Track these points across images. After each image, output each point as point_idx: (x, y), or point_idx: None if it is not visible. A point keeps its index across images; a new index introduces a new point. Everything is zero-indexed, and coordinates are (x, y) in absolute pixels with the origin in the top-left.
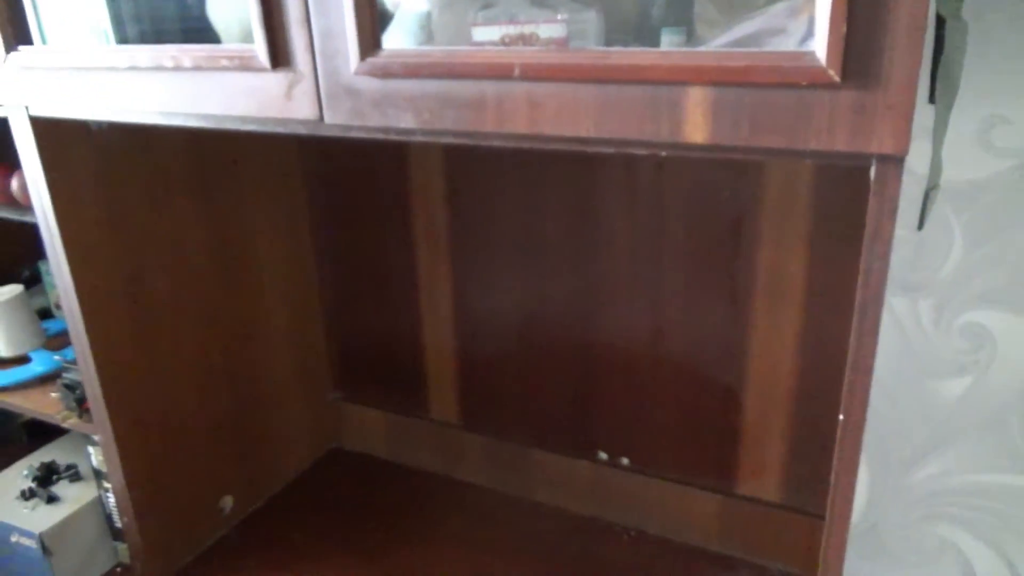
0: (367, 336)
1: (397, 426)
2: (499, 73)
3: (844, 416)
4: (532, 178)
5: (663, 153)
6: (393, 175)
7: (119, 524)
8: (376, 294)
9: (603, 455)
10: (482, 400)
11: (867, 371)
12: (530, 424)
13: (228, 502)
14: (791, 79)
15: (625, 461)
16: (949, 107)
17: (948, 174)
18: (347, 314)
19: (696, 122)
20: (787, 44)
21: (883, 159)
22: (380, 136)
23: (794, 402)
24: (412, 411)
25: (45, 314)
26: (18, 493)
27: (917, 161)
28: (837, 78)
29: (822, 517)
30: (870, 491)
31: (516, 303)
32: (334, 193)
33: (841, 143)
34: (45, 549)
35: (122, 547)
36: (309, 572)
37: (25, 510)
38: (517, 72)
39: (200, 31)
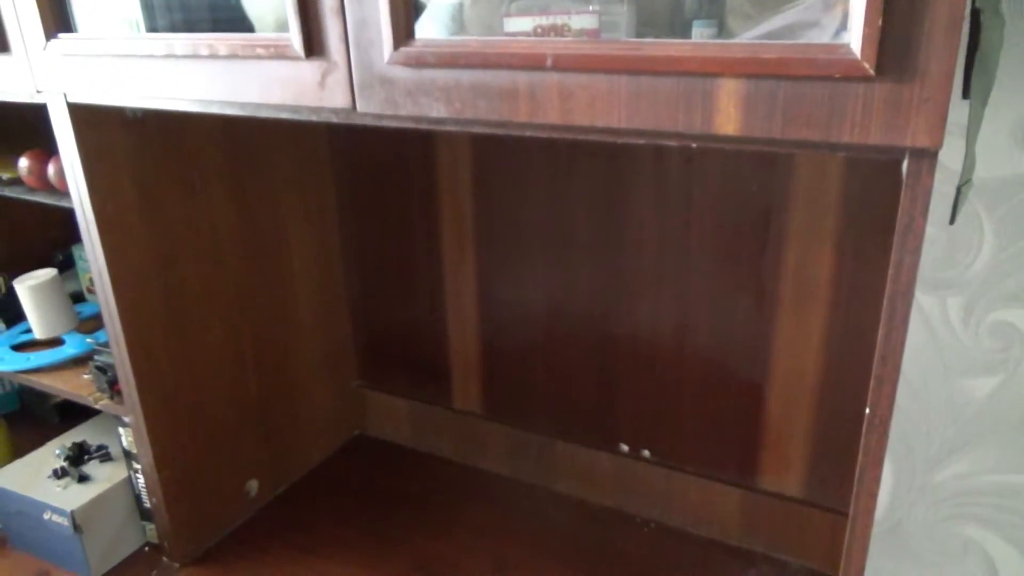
0: (392, 325)
1: (421, 414)
2: (532, 63)
3: (870, 411)
4: (559, 170)
5: (694, 145)
6: (420, 166)
7: (148, 504)
8: (401, 283)
9: (625, 447)
10: (505, 390)
11: (895, 366)
12: (553, 415)
13: (254, 486)
14: (825, 71)
15: (647, 454)
16: (984, 102)
17: (979, 171)
18: (373, 303)
19: (728, 114)
20: (821, 38)
21: (917, 153)
22: (411, 125)
23: (818, 398)
24: (436, 400)
25: (78, 298)
26: (50, 472)
27: (947, 157)
28: (872, 71)
29: (844, 514)
30: (894, 489)
31: (541, 295)
32: (362, 183)
33: (875, 136)
34: (76, 527)
35: (150, 527)
36: (332, 556)
37: (57, 488)
38: (550, 62)
39: (232, 21)
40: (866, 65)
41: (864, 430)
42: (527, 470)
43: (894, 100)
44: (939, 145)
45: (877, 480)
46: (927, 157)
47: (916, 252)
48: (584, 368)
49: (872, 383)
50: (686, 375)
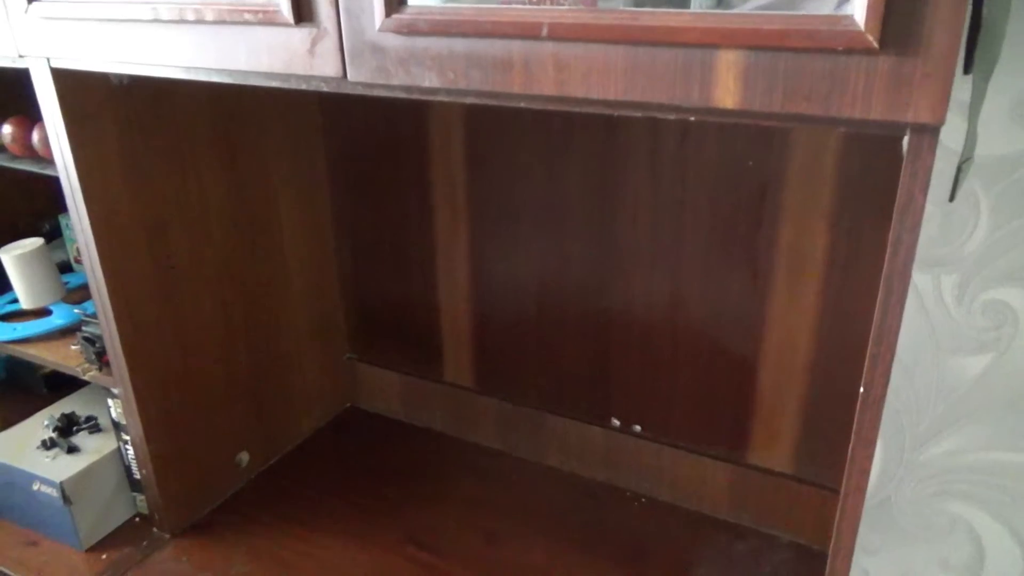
0: (383, 298)
1: (412, 387)
2: (527, 32)
3: (864, 389)
4: (554, 144)
5: (692, 118)
6: (413, 138)
7: (138, 476)
8: (393, 256)
9: (616, 422)
10: (497, 364)
11: (890, 345)
12: (544, 389)
13: (244, 457)
14: (828, 44)
15: (638, 428)
16: (987, 78)
17: (978, 148)
18: (364, 275)
19: (728, 87)
20: (823, 9)
21: (918, 129)
22: (403, 95)
23: (810, 375)
24: (427, 373)
25: (65, 268)
26: (39, 443)
27: (944, 134)
28: (875, 44)
29: (833, 489)
30: (883, 466)
31: (534, 268)
32: (353, 155)
33: (877, 111)
34: (65, 498)
35: (140, 498)
36: (322, 528)
37: (46, 459)
38: (545, 31)
39: None
40: (870, 38)
41: (858, 408)
42: (518, 444)
43: (897, 74)
44: (942, 121)
45: (869, 458)
46: (928, 133)
47: (915, 230)
48: (576, 343)
49: (867, 362)
50: (678, 351)
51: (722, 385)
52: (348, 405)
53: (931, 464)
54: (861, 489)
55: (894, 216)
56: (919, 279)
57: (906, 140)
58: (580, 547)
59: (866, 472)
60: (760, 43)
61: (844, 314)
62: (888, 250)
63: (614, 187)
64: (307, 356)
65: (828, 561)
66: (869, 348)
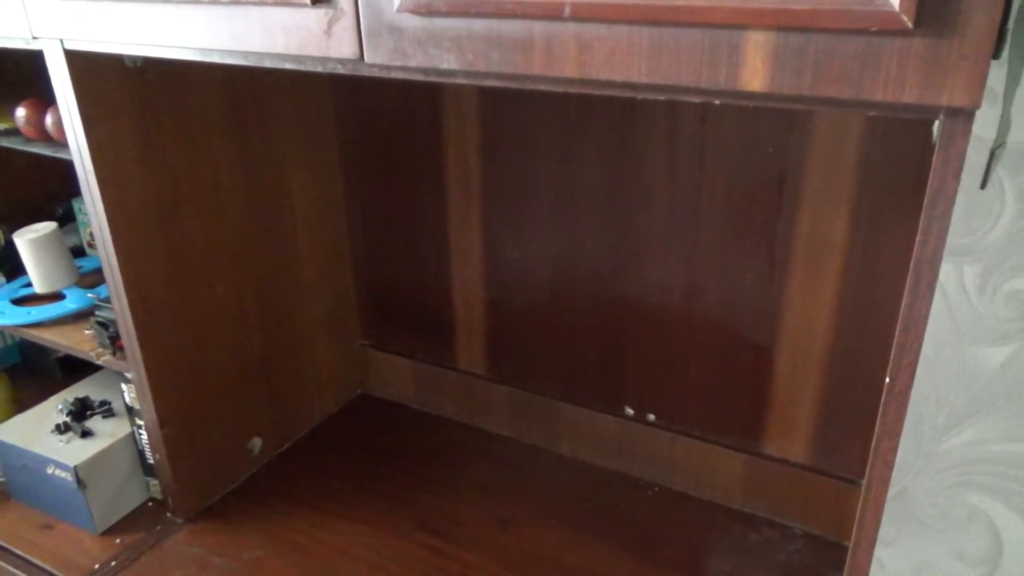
0: (396, 283)
1: (424, 374)
2: (548, 12)
3: (890, 379)
4: (570, 127)
5: (717, 102)
6: (427, 120)
7: (151, 460)
8: (406, 242)
9: (630, 411)
10: (510, 351)
11: (918, 335)
12: (557, 377)
13: (257, 443)
14: (860, 24)
15: (652, 417)
16: None
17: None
18: (376, 261)
19: (755, 68)
20: None
21: (952, 113)
22: (420, 77)
23: (827, 364)
24: (439, 360)
25: (78, 252)
26: (53, 427)
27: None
28: (910, 24)
29: (849, 480)
30: (901, 456)
31: (548, 254)
32: (366, 139)
33: (910, 95)
34: (80, 482)
35: (154, 483)
36: (335, 513)
37: (60, 443)
38: (567, 12)
39: None
40: (904, 18)
41: (883, 399)
42: (530, 431)
43: (932, 56)
44: (977, 105)
45: (894, 450)
46: (962, 117)
47: (945, 218)
48: (590, 330)
49: (893, 351)
50: (694, 339)
51: (737, 374)
52: (360, 391)
53: (950, 455)
54: (885, 480)
55: (924, 203)
56: (941, 268)
57: (937, 124)
58: (593, 535)
59: (890, 463)
60: (790, 23)
61: (864, 303)
62: (917, 238)
63: (630, 172)
64: (319, 342)
65: (849, 552)
66: (896, 337)
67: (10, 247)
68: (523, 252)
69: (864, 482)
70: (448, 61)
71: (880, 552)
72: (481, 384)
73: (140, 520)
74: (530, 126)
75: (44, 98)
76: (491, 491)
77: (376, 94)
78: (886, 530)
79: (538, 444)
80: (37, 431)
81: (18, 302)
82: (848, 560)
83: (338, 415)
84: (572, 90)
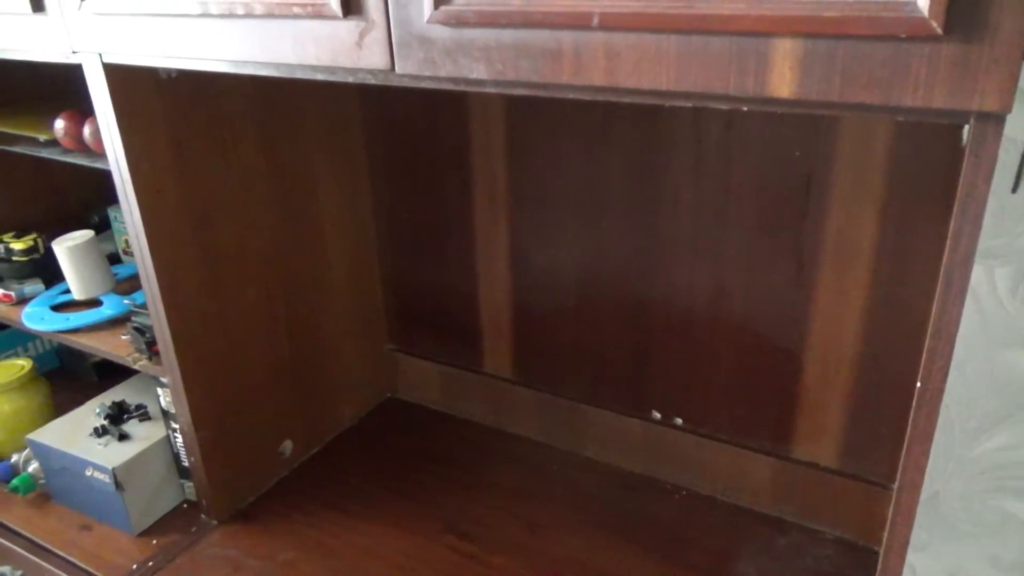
0: (423, 288)
1: (451, 378)
2: (577, 22)
3: (921, 384)
4: (595, 132)
5: (745, 108)
6: (453, 127)
7: (186, 463)
8: (433, 247)
9: (657, 415)
10: (536, 355)
11: (949, 339)
12: (584, 380)
13: (288, 446)
14: (889, 30)
15: (679, 421)
16: None
17: None
18: (404, 266)
19: (783, 75)
20: None
21: (982, 117)
22: (450, 87)
23: (857, 368)
24: (466, 364)
25: (114, 259)
26: (91, 430)
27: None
28: (939, 30)
29: (880, 484)
30: (932, 460)
31: (574, 259)
32: (393, 145)
33: (939, 100)
34: (118, 484)
35: (188, 485)
36: (365, 516)
37: (99, 446)
38: (596, 21)
39: None
40: (934, 24)
41: (914, 403)
42: (557, 435)
43: (962, 61)
44: (1008, 109)
45: (926, 454)
46: (993, 121)
47: (977, 222)
48: (616, 334)
49: (925, 356)
50: (720, 342)
51: (765, 378)
52: (388, 395)
53: (982, 459)
54: (917, 485)
55: (955, 206)
56: (972, 271)
57: (967, 128)
58: (620, 538)
59: (922, 468)
60: (818, 30)
61: (894, 306)
62: (948, 241)
63: (656, 174)
64: (348, 346)
65: (880, 556)
66: (927, 341)
67: (49, 255)
68: (549, 256)
69: (895, 486)
70: (477, 71)
71: (912, 557)
72: (508, 388)
73: (175, 521)
74: (556, 131)
75: (82, 110)
76: (518, 494)
77: (403, 102)
78: (917, 535)
79: (564, 447)
80: (76, 434)
81: (57, 308)
82: (880, 564)
83: (366, 419)
84: (600, 98)
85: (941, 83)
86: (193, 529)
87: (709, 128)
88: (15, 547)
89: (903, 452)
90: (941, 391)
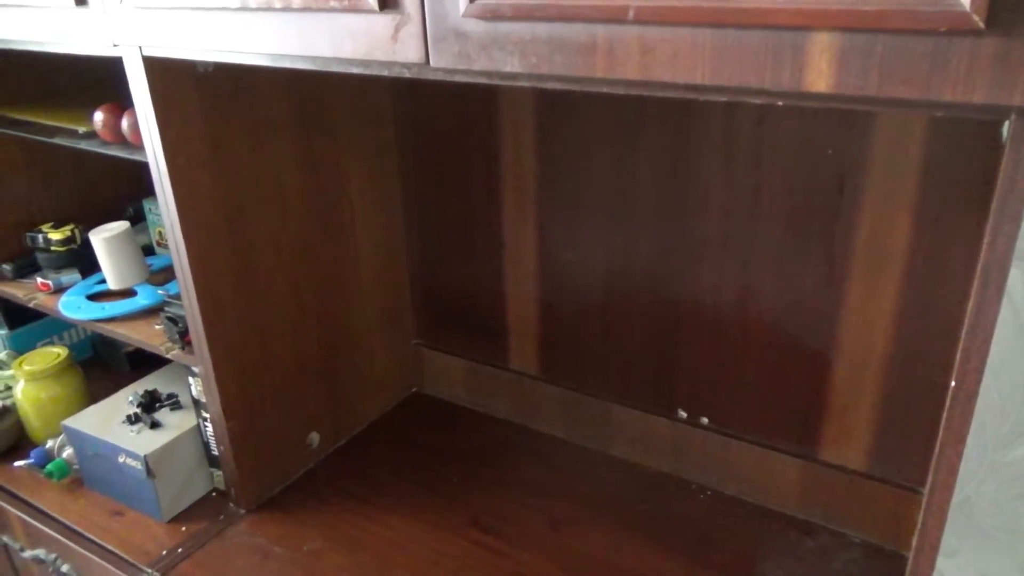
0: (451, 284)
1: (477, 374)
2: (612, 16)
3: (955, 384)
4: (625, 129)
5: (780, 103)
6: (483, 124)
7: (216, 452)
8: (461, 243)
9: (683, 413)
10: (563, 353)
11: (985, 339)
12: (610, 379)
13: (315, 438)
14: (929, 25)
15: (705, 421)
16: None
17: None
18: (431, 262)
19: (820, 70)
20: None
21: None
22: (484, 80)
23: (887, 370)
24: (492, 360)
25: (147, 251)
26: (124, 417)
27: None
28: (981, 24)
29: (909, 488)
30: (964, 464)
31: (602, 257)
32: (424, 142)
33: (979, 95)
34: (149, 471)
35: (217, 474)
36: (389, 508)
37: (131, 433)
38: (631, 15)
39: None
40: (975, 18)
41: (948, 404)
42: (582, 433)
43: (1003, 55)
44: None
45: (959, 456)
46: None
47: (1016, 220)
48: (643, 332)
49: (959, 356)
50: (749, 342)
51: (794, 379)
52: (413, 390)
53: (1016, 464)
54: (949, 487)
55: (993, 204)
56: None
57: (1007, 124)
58: (645, 537)
59: (955, 469)
60: (856, 24)
61: (926, 307)
62: (985, 240)
63: (685, 173)
64: (375, 340)
65: (910, 560)
66: (961, 342)
67: (85, 245)
68: (577, 254)
69: (927, 489)
70: (511, 64)
71: (941, 563)
72: (533, 384)
73: (204, 509)
74: (585, 128)
75: (120, 103)
76: (543, 491)
77: (434, 97)
78: (947, 540)
79: (590, 445)
80: (109, 422)
81: (93, 298)
82: (909, 569)
83: (392, 412)
84: (634, 92)
85: (982, 78)
86: (221, 517)
87: (739, 126)
88: (49, 531)
89: (935, 453)
90: (975, 392)
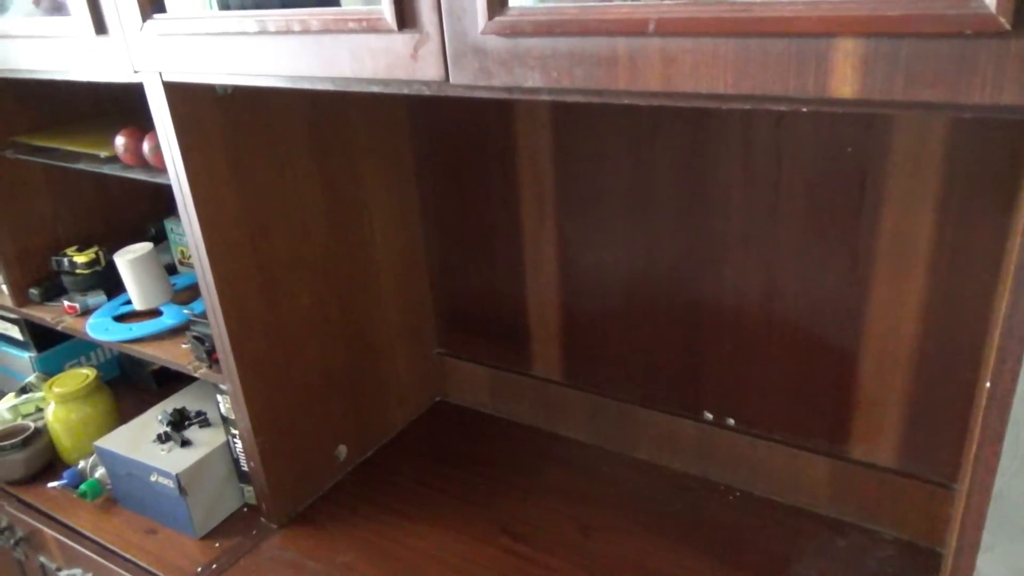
0: (472, 292)
1: (501, 381)
2: (633, 29)
3: (992, 384)
4: (642, 132)
5: (804, 109)
6: (499, 131)
7: (246, 467)
8: (481, 251)
9: (708, 415)
10: (586, 357)
11: (1021, 339)
12: (634, 382)
13: (343, 450)
14: (955, 28)
15: (731, 421)
16: None
17: None
18: (453, 270)
19: (845, 76)
20: None
21: None
22: (504, 96)
23: (915, 366)
24: (515, 367)
25: (170, 270)
26: (154, 436)
27: None
28: (1008, 25)
29: (940, 484)
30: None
31: (623, 260)
32: (440, 150)
33: (1008, 96)
34: (181, 489)
35: (248, 489)
36: (418, 519)
37: (162, 452)
38: (652, 27)
39: None
40: (1002, 20)
41: (984, 403)
42: (608, 437)
43: None
44: None
45: (996, 455)
46: None
47: None
48: (667, 334)
49: (995, 355)
50: (773, 341)
51: (820, 377)
52: (437, 399)
53: None
54: (987, 488)
55: (1022, 201)
56: None
57: None
58: (675, 540)
59: (993, 468)
60: (880, 30)
61: (952, 304)
62: (1018, 238)
63: (705, 174)
64: (398, 350)
65: (950, 558)
66: (997, 340)
67: (110, 267)
68: (597, 257)
69: (964, 487)
70: (532, 79)
71: (977, 559)
72: (557, 390)
73: (237, 525)
74: (602, 132)
75: (141, 126)
76: (570, 496)
77: (450, 109)
78: (983, 536)
79: (616, 449)
80: (140, 441)
81: (119, 319)
82: (949, 566)
83: (418, 422)
84: (656, 103)
85: (1010, 79)
86: (254, 532)
87: (759, 126)
88: (84, 550)
89: (972, 452)
90: (1012, 391)
